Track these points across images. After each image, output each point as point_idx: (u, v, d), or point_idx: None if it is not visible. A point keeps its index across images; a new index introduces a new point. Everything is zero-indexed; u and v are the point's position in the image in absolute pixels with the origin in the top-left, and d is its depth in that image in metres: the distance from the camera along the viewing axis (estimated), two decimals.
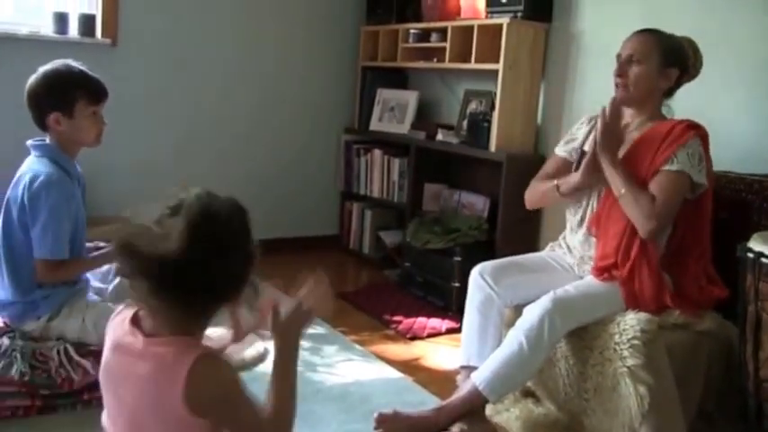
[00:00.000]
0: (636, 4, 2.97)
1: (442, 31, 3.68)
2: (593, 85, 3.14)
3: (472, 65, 3.45)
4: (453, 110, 3.89)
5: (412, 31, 3.90)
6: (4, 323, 2.19)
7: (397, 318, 3.20)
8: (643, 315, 2.00)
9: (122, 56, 3.60)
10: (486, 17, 3.46)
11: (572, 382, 2.10)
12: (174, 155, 3.83)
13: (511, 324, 2.14)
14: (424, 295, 3.49)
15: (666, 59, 2.17)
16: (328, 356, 2.71)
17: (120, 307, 1.29)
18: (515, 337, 2.04)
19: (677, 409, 1.97)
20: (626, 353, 1.93)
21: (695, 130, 2.12)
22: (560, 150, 2.43)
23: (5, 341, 2.12)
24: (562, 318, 2.02)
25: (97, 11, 3.56)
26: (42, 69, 2.14)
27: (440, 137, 3.66)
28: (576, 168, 2.23)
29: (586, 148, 2.24)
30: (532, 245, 3.28)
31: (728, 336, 2.12)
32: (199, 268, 1.12)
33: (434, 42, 3.75)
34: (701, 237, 2.18)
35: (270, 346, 1.35)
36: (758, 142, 2.54)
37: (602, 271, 2.15)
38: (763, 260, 1.82)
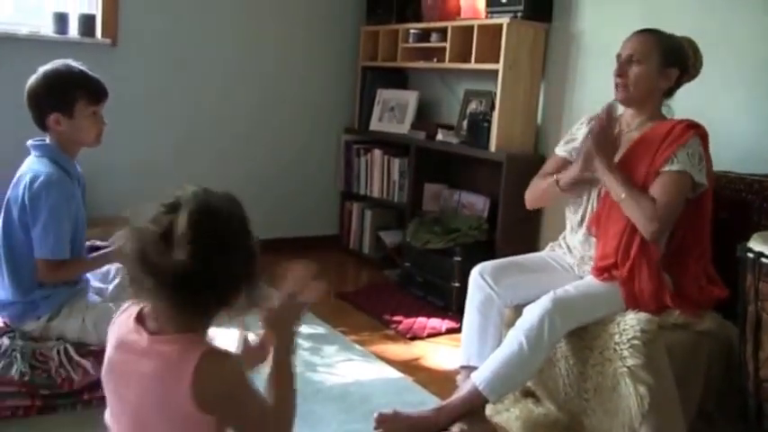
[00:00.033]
0: (636, 4, 2.97)
1: (442, 31, 3.68)
2: (593, 85, 3.14)
3: (472, 65, 3.45)
4: (453, 110, 3.89)
5: (412, 31, 3.90)
6: (5, 323, 2.19)
7: (397, 318, 3.20)
8: (643, 315, 2.00)
9: (122, 56, 3.61)
10: (486, 17, 3.46)
11: (572, 382, 2.10)
12: (174, 155, 3.83)
13: (511, 324, 2.14)
14: (424, 295, 3.49)
15: (666, 59, 2.17)
16: (328, 356, 2.71)
17: (125, 305, 1.29)
18: (515, 337, 2.04)
19: (677, 409, 1.97)
20: (626, 353, 1.93)
21: (695, 130, 2.12)
22: (560, 150, 2.43)
23: (5, 341, 2.12)
24: (562, 318, 2.02)
25: (97, 11, 3.57)
26: (42, 69, 2.14)
27: (440, 137, 3.66)
28: None
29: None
30: (532, 245, 3.28)
31: (728, 336, 2.12)
32: (201, 266, 1.12)
33: (434, 42, 3.75)
34: (701, 237, 2.18)
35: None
36: (758, 142, 2.54)
37: (602, 271, 2.15)
38: (763, 260, 1.82)
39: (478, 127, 3.45)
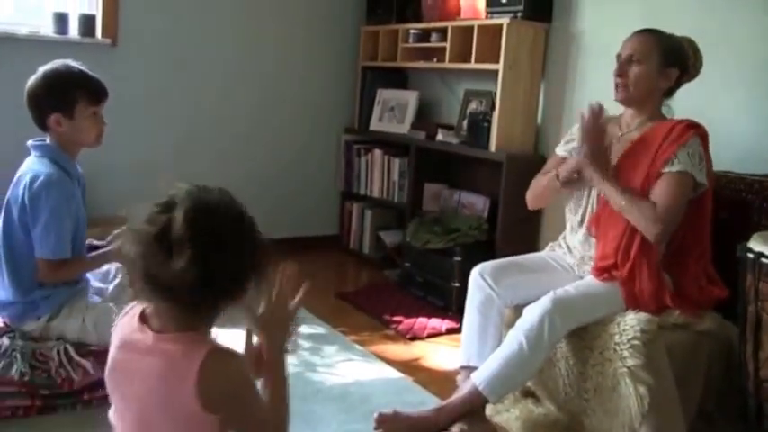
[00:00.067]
0: (636, 4, 2.97)
1: (442, 31, 3.68)
2: (593, 85, 3.14)
3: (472, 65, 3.45)
4: (453, 110, 3.89)
5: (412, 31, 3.90)
6: (5, 323, 2.19)
7: (397, 318, 3.20)
8: (643, 315, 2.00)
9: (122, 56, 3.60)
10: (486, 17, 3.46)
11: (572, 382, 2.10)
12: (174, 155, 3.83)
13: (511, 324, 2.14)
14: (424, 295, 3.49)
15: (666, 59, 2.17)
16: (328, 356, 2.71)
17: (127, 308, 1.29)
18: (515, 338, 2.04)
19: (677, 409, 1.97)
20: (626, 353, 1.93)
21: (695, 130, 2.12)
22: (560, 150, 2.43)
23: (5, 341, 2.12)
24: (562, 318, 2.02)
25: (97, 11, 3.56)
26: (42, 70, 2.14)
27: (440, 137, 3.66)
28: None
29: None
30: (532, 245, 3.28)
31: (728, 336, 2.12)
32: (200, 264, 1.12)
33: (434, 42, 3.75)
34: (701, 237, 2.18)
35: None
36: (758, 142, 2.54)
37: (602, 271, 2.15)
38: (763, 260, 1.82)
39: (478, 127, 3.45)
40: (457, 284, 3.27)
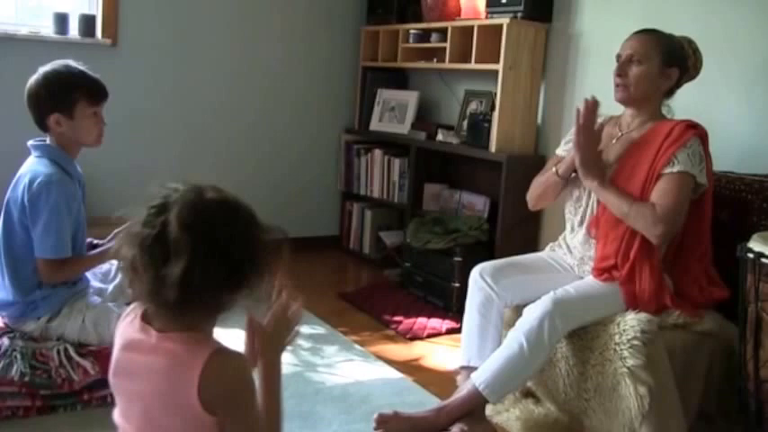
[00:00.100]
0: (636, 3, 2.97)
1: (443, 32, 3.68)
2: (593, 86, 3.13)
3: (472, 65, 3.45)
4: (453, 110, 3.89)
5: (412, 31, 3.90)
6: (5, 323, 2.19)
7: (397, 318, 3.20)
8: (643, 315, 2.00)
9: (122, 56, 3.61)
10: (486, 17, 3.46)
11: (572, 383, 2.10)
12: (175, 154, 3.83)
13: (511, 325, 2.14)
14: (424, 295, 3.49)
15: (666, 59, 2.17)
16: (328, 356, 2.71)
17: (128, 309, 1.29)
18: (515, 338, 2.03)
19: (677, 409, 1.96)
20: (626, 353, 1.93)
21: (694, 130, 2.11)
22: (561, 150, 2.43)
23: (5, 341, 2.12)
24: (562, 318, 2.02)
25: (97, 11, 3.57)
26: (42, 70, 2.14)
27: (440, 137, 3.66)
28: None
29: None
30: (532, 245, 3.29)
31: (729, 336, 2.11)
32: (197, 265, 1.11)
33: (434, 42, 3.75)
34: (701, 237, 2.17)
35: None
36: (758, 142, 2.54)
37: (603, 272, 2.15)
38: (764, 260, 1.82)
39: (478, 127, 3.45)
40: (457, 284, 3.27)
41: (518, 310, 2.17)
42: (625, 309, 2.08)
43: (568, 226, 2.37)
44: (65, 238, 2.10)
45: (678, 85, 2.23)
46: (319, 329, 2.97)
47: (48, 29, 3.44)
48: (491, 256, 2.57)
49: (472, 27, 3.45)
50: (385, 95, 4.20)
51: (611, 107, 2.30)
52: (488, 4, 3.45)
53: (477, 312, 2.27)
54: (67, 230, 2.10)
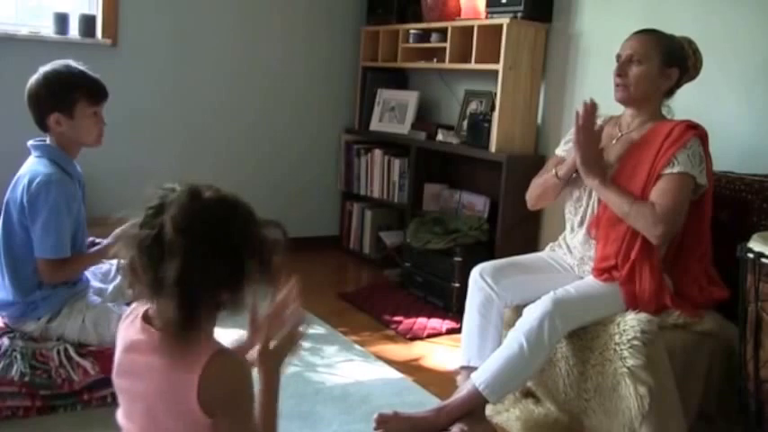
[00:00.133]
0: (636, 3, 2.97)
1: (443, 32, 3.68)
2: (593, 85, 3.14)
3: (472, 65, 3.45)
4: (453, 110, 3.89)
5: (412, 31, 3.90)
6: (5, 324, 2.19)
7: (397, 318, 3.20)
8: (643, 315, 2.00)
9: (122, 56, 3.61)
10: (486, 17, 3.46)
11: (572, 383, 2.10)
12: (175, 154, 3.83)
13: (511, 325, 2.14)
14: (424, 295, 3.49)
15: (666, 59, 2.17)
16: (328, 356, 2.71)
17: (129, 309, 1.29)
18: (515, 338, 2.03)
19: (677, 409, 1.96)
20: (626, 353, 1.93)
21: (694, 131, 2.11)
22: (560, 151, 2.43)
23: (5, 342, 2.12)
24: (562, 318, 2.02)
25: (97, 11, 3.57)
26: (42, 70, 2.14)
27: (440, 137, 3.66)
28: None
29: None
30: (532, 245, 3.28)
31: (729, 336, 2.11)
32: (194, 266, 1.11)
33: (434, 42, 3.75)
34: (701, 237, 2.17)
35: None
36: (758, 142, 2.54)
37: (603, 272, 2.15)
38: (764, 260, 1.82)
39: (478, 127, 3.45)
40: (457, 285, 3.27)
41: (518, 310, 2.17)
42: (625, 309, 2.08)
43: (568, 226, 2.37)
44: (64, 238, 2.10)
45: (678, 85, 2.23)
46: (319, 329, 2.97)
47: (48, 29, 3.45)
48: (491, 256, 2.57)
49: (472, 27, 3.45)
50: (385, 95, 4.20)
51: (611, 107, 2.30)
52: (488, 4, 3.45)
53: (477, 312, 2.27)
54: (67, 230, 2.10)
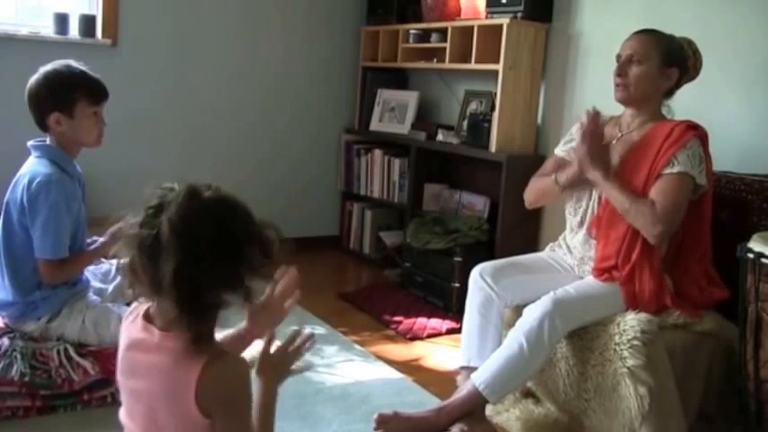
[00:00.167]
0: (636, 3, 2.97)
1: (443, 32, 3.68)
2: (593, 86, 3.14)
3: (472, 65, 3.45)
4: (453, 110, 3.89)
5: (412, 31, 3.90)
6: (5, 324, 2.19)
7: (397, 318, 3.20)
8: (643, 315, 2.00)
9: (122, 56, 3.61)
10: (486, 17, 3.46)
11: (572, 383, 2.10)
12: (175, 154, 3.83)
13: (511, 325, 2.14)
14: (424, 295, 3.49)
15: (666, 60, 2.17)
16: (328, 356, 2.71)
17: (130, 308, 1.29)
18: (515, 338, 2.03)
19: (677, 409, 1.96)
20: (626, 353, 1.93)
21: (694, 131, 2.11)
22: (560, 150, 2.43)
23: (5, 342, 2.12)
24: (562, 319, 2.02)
25: (97, 11, 3.57)
26: (43, 70, 2.14)
27: (440, 137, 3.66)
28: None
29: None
30: (532, 245, 3.29)
31: (729, 336, 2.11)
32: (192, 266, 1.11)
33: (434, 43, 3.75)
34: (701, 238, 2.17)
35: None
36: (758, 142, 2.54)
37: (603, 272, 2.15)
38: (764, 260, 1.82)
39: (478, 127, 3.45)
40: (457, 285, 3.27)
41: (518, 310, 2.17)
42: (625, 309, 2.08)
43: (568, 226, 2.37)
44: (64, 239, 2.10)
45: (678, 85, 2.23)
46: (319, 329, 2.97)
47: (48, 29, 3.44)
48: (491, 257, 2.56)
49: (472, 27, 3.45)
50: (385, 95, 4.20)
51: (611, 107, 2.30)
52: (488, 4, 3.45)
53: (477, 312, 2.27)
54: (67, 230, 2.11)
